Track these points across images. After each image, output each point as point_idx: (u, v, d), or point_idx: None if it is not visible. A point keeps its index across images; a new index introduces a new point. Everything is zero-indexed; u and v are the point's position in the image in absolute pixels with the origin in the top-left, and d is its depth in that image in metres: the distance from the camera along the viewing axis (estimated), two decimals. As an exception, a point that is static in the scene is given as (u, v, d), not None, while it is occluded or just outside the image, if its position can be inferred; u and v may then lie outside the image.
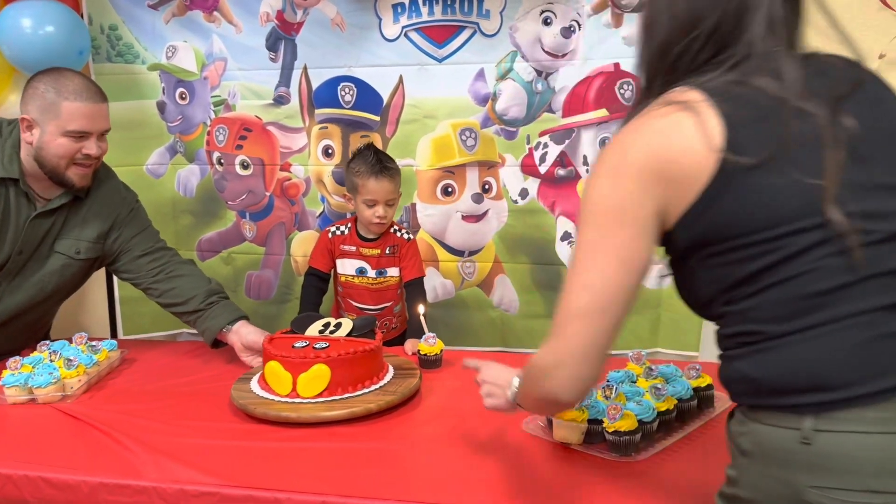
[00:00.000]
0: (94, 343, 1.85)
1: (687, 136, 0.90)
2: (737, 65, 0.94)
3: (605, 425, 1.33)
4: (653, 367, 1.54)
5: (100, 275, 2.75)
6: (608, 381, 1.51)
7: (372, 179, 2.09)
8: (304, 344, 1.60)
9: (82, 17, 2.52)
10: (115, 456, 1.39)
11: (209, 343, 1.89)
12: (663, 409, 1.39)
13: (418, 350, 1.84)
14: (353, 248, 2.18)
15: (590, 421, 1.35)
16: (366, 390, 1.58)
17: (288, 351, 1.57)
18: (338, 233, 2.21)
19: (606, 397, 1.41)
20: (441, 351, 1.84)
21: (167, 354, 1.96)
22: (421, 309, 1.98)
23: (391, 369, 1.69)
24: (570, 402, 1.04)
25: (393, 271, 2.19)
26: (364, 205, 2.11)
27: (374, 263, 2.17)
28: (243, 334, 1.82)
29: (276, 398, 1.55)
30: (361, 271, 2.17)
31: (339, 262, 2.21)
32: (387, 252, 2.18)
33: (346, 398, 1.55)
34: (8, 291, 1.85)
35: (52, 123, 1.76)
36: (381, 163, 2.11)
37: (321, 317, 1.77)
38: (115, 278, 2.66)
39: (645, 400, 1.38)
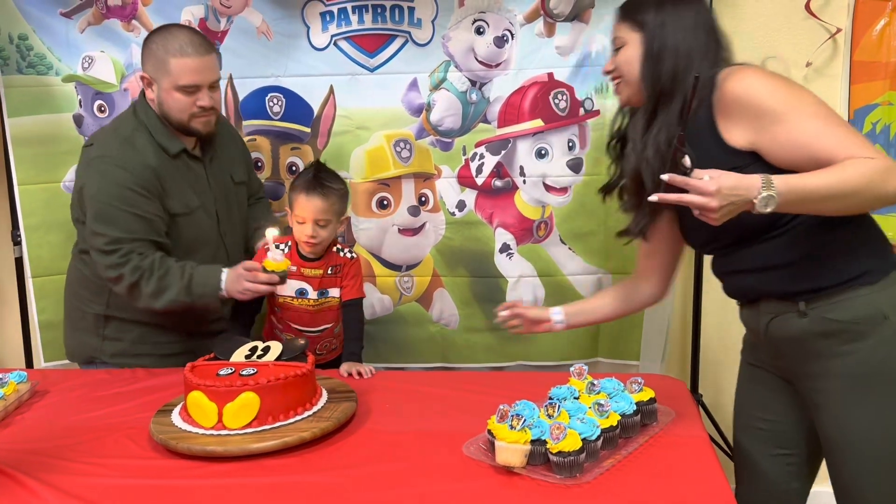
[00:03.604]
0: (0, 375, 1.71)
1: None
2: None
3: (548, 446, 1.28)
4: (595, 382, 1.51)
5: (12, 298, 2.59)
6: (550, 398, 1.47)
7: (302, 196, 1.99)
8: (230, 371, 1.50)
9: (-13, 25, 2.36)
10: (18, 500, 1.26)
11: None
12: (606, 426, 1.35)
13: (263, 266, 1.82)
14: (294, 268, 2.09)
15: (533, 442, 1.30)
16: (298, 417, 1.50)
17: (212, 379, 1.47)
18: None
19: (549, 416, 1.36)
20: (287, 268, 1.84)
21: (82, 385, 1.82)
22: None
23: (325, 393, 1.61)
24: None
25: (334, 292, 2.11)
26: (295, 221, 2.03)
27: (315, 284, 2.08)
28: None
29: (201, 431, 1.45)
30: (302, 293, 2.08)
31: None
32: (329, 272, 2.09)
33: (278, 427, 1.46)
34: (230, 232, 2.10)
35: (166, 80, 1.88)
36: (317, 179, 2.01)
37: (247, 340, 1.67)
38: (30, 302, 2.49)
39: (588, 417, 1.34)
